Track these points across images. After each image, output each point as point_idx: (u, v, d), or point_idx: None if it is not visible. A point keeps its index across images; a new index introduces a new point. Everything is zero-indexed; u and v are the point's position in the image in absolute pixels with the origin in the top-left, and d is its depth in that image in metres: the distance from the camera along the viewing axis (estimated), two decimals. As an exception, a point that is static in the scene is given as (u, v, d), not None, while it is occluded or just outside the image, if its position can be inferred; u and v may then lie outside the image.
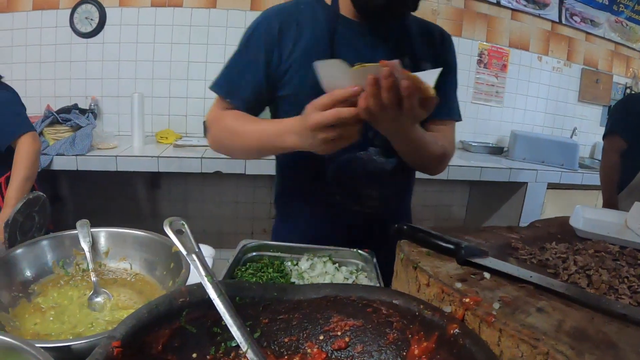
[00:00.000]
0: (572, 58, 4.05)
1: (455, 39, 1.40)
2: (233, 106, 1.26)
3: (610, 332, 0.62)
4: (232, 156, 1.36)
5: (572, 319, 0.65)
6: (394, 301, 0.68)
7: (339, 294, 0.71)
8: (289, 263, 1.17)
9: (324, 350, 0.69)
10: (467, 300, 0.67)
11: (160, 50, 3.14)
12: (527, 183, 3.21)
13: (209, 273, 0.66)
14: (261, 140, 1.15)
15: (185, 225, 0.72)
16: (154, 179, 3.19)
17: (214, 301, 0.63)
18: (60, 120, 2.81)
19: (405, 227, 0.93)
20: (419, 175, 1.45)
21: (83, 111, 2.96)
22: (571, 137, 4.01)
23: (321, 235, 1.28)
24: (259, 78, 1.25)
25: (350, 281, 1.10)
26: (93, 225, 1.10)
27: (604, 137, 2.71)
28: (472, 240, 0.98)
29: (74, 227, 1.08)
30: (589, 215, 1.24)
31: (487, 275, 0.78)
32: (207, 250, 1.52)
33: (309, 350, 0.69)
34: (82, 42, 3.11)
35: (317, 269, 1.14)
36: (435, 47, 1.35)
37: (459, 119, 1.39)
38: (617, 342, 0.59)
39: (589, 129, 4.23)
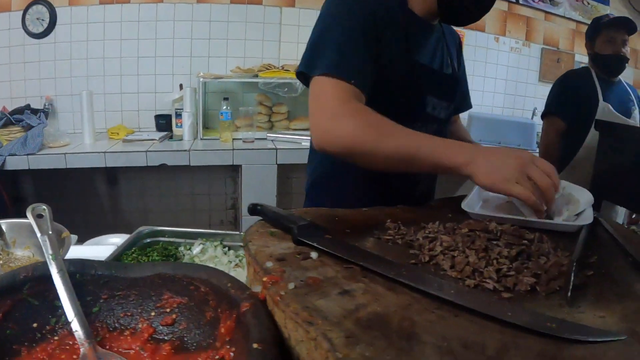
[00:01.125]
0: (531, 38, 4.04)
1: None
2: (353, 88, 1.07)
3: (422, 322, 0.56)
4: (361, 161, 1.09)
5: (381, 305, 0.59)
6: (210, 279, 0.69)
7: (169, 271, 0.72)
8: (183, 248, 1.19)
9: (152, 325, 0.71)
10: (265, 279, 0.66)
11: (110, 47, 3.15)
12: (481, 164, 3.21)
13: (55, 252, 0.70)
14: (420, 149, 0.99)
15: (47, 210, 0.78)
16: (111, 175, 3.21)
17: (53, 277, 0.67)
18: (13, 121, 2.84)
19: (259, 206, 0.92)
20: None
21: (35, 111, 2.98)
22: (532, 117, 4.00)
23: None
24: (373, 57, 1.12)
25: (232, 265, 1.12)
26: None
27: (542, 117, 2.67)
28: (346, 220, 0.95)
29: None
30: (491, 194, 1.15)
31: (313, 255, 0.74)
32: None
33: (140, 326, 0.71)
34: (35, 42, 3.12)
35: (208, 253, 1.16)
36: (456, 49, 1.45)
37: (471, 106, 1.58)
38: (421, 333, 0.53)
39: (551, 108, 4.22)
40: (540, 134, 2.77)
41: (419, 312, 0.58)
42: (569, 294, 0.65)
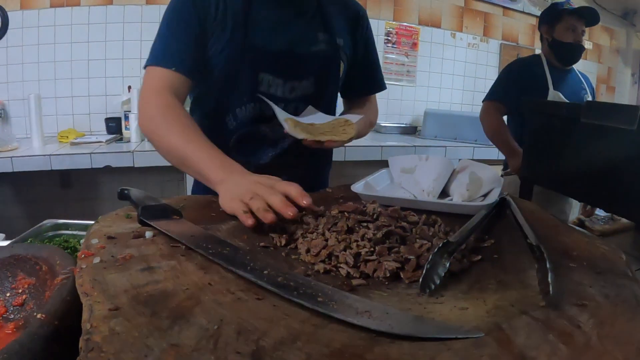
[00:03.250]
0: (489, 33, 4.06)
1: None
2: (175, 74, 1.16)
3: (210, 302, 0.53)
4: (155, 146, 1.18)
5: (176, 283, 0.57)
6: (48, 258, 0.69)
7: (22, 252, 0.72)
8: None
9: (5, 305, 0.70)
10: (80, 253, 0.66)
11: (61, 50, 3.13)
12: (435, 160, 3.21)
13: None
14: (188, 156, 1.04)
15: None
16: (64, 179, 3.19)
17: None
18: (-36, 127, 2.83)
19: (125, 190, 0.92)
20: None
21: (-13, 116, 2.98)
22: (492, 112, 4.01)
23: None
24: (196, 41, 1.20)
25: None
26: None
27: (483, 101, 2.60)
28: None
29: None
30: (394, 173, 1.15)
31: (148, 234, 0.73)
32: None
33: None
34: (-13, 47, 3.12)
35: None
36: (351, 24, 1.41)
37: (384, 88, 1.53)
38: (198, 314, 0.50)
39: (512, 103, 4.24)
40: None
41: (215, 292, 0.55)
42: (420, 280, 0.60)
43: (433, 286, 0.59)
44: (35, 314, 0.54)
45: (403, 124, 3.81)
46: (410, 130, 3.67)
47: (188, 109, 1.30)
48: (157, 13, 3.18)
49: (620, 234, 1.44)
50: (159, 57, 1.18)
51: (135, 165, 2.69)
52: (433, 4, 3.83)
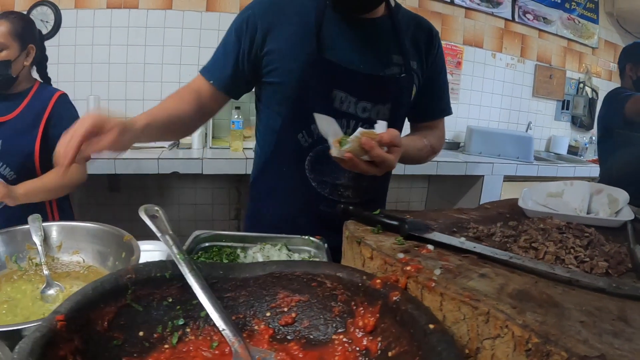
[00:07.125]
0: (526, 54, 4.16)
1: (409, 38, 1.44)
2: (211, 84, 1.28)
3: (554, 294, 0.64)
4: None
5: (515, 283, 0.67)
6: (337, 274, 0.70)
7: (284, 270, 0.72)
8: (240, 251, 1.16)
9: (270, 326, 0.70)
10: (409, 268, 0.68)
11: (116, 52, 3.11)
12: (483, 176, 3.28)
13: (181, 252, 0.69)
14: None
15: (160, 211, 0.77)
16: (113, 183, 3.16)
17: (186, 277, 0.66)
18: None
19: (351, 207, 0.95)
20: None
21: (37, 116, 2.92)
22: (526, 131, 4.11)
23: (295, 220, 1.32)
24: (240, 59, 1.25)
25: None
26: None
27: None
28: (420, 219, 0.99)
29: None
30: (536, 197, 1.28)
31: (430, 247, 0.79)
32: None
33: (256, 327, 0.70)
34: (38, 45, 3.07)
35: (272, 257, 1.12)
36: (424, 46, 1.37)
37: (450, 113, 1.50)
38: (561, 302, 0.61)
39: (544, 123, 4.35)
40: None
41: (545, 287, 0.67)
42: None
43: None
44: (425, 325, 0.56)
45: (447, 139, 3.84)
46: (454, 145, 3.74)
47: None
48: (216, 20, 3.19)
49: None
50: (207, 68, 1.31)
51: (204, 173, 2.69)
52: (477, 25, 3.90)
